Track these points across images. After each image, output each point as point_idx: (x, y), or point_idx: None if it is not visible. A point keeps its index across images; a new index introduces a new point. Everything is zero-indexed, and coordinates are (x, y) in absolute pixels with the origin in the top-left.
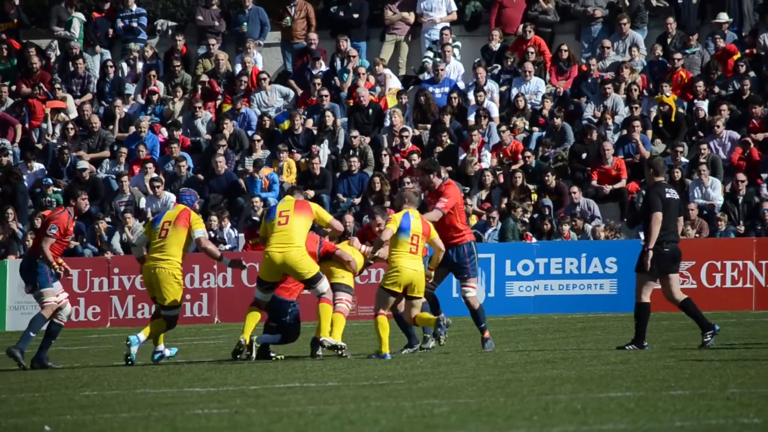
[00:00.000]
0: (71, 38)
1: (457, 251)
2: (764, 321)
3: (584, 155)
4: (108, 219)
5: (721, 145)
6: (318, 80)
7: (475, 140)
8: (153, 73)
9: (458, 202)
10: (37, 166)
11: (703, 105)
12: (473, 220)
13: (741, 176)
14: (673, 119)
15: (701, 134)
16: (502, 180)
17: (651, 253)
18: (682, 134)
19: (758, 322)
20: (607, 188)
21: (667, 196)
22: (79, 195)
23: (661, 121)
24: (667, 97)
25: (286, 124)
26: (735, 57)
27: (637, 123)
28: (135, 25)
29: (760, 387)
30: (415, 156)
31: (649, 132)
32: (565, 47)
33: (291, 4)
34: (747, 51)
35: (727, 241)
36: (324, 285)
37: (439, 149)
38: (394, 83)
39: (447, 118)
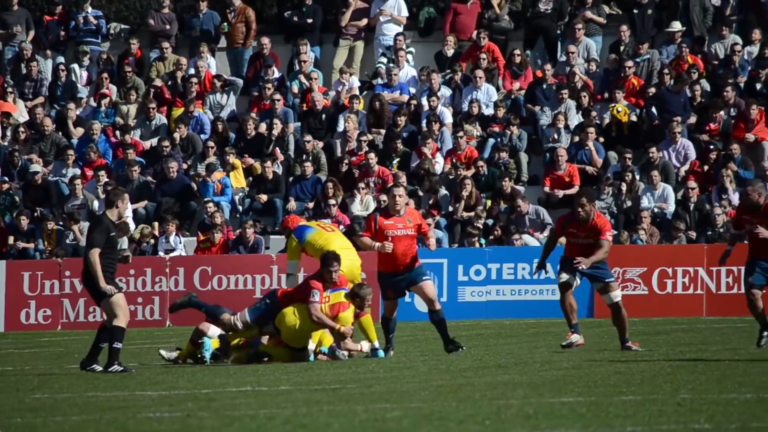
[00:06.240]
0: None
1: None
2: (714, 327)
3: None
4: (60, 222)
5: (674, 151)
6: (270, 85)
7: (428, 146)
8: (105, 76)
9: None
10: None
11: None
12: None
13: (692, 183)
14: (626, 131)
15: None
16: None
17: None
18: (638, 143)
19: (708, 328)
20: (560, 193)
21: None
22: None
23: (614, 129)
24: (619, 112)
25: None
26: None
27: (591, 130)
28: (95, 23)
29: (711, 393)
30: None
31: (601, 139)
32: (518, 52)
33: (230, 9)
34: (696, 57)
35: (678, 247)
36: None
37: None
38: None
39: (401, 123)
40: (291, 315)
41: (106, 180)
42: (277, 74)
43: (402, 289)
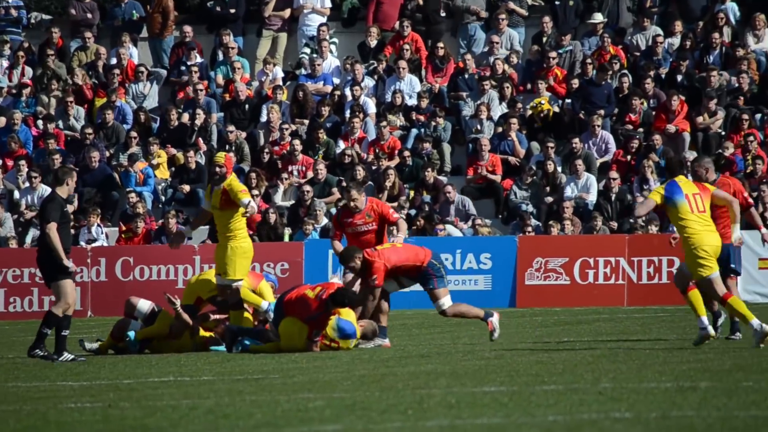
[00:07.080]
0: None
1: None
2: (635, 317)
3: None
4: None
5: (595, 145)
6: (195, 69)
7: (355, 133)
8: (21, 54)
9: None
10: None
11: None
12: None
13: (614, 174)
14: (550, 118)
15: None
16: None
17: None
18: (561, 133)
19: (630, 317)
20: (483, 183)
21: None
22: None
23: (539, 123)
24: (542, 104)
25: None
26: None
27: (513, 120)
28: (15, 14)
29: (632, 382)
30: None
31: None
32: (441, 44)
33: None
34: (619, 48)
35: (600, 237)
36: None
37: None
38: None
39: (325, 113)
40: (294, 332)
41: (27, 169)
42: (199, 59)
43: None
